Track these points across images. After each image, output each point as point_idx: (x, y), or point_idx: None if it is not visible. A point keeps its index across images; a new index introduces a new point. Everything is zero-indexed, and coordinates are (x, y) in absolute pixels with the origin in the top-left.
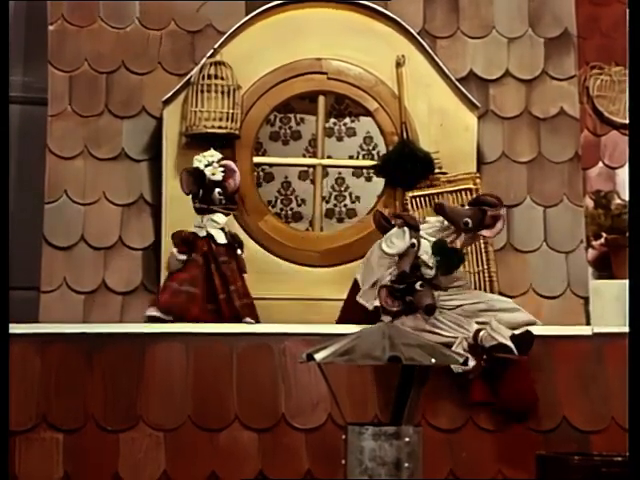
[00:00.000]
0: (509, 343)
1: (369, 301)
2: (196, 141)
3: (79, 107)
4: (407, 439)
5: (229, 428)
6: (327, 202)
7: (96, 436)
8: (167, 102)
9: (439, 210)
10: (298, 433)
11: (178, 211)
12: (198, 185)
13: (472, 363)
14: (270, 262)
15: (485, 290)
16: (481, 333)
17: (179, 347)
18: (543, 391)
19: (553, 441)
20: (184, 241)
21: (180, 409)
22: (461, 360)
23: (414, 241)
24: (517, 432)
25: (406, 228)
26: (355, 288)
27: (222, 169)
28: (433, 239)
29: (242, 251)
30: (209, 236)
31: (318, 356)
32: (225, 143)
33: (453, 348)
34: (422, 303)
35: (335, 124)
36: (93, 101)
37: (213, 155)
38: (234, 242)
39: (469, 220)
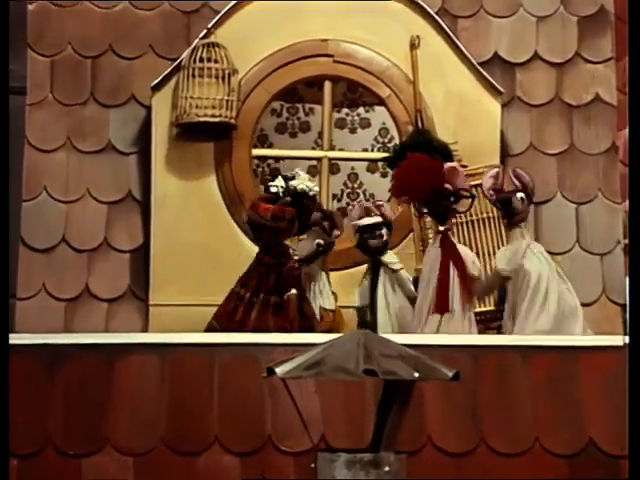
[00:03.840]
0: None
1: None
2: (188, 131)
3: (61, 95)
4: (387, 468)
5: (208, 451)
6: (339, 200)
7: (55, 461)
8: (156, 88)
9: None
10: (286, 457)
11: (169, 209)
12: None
13: None
14: None
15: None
16: None
17: (153, 359)
18: (566, 409)
19: (577, 466)
20: None
21: (152, 430)
22: (450, 374)
23: None
24: (536, 456)
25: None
26: None
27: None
28: None
29: None
30: None
31: (280, 370)
32: (220, 133)
33: None
34: None
35: (348, 115)
36: (77, 88)
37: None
38: None
39: None
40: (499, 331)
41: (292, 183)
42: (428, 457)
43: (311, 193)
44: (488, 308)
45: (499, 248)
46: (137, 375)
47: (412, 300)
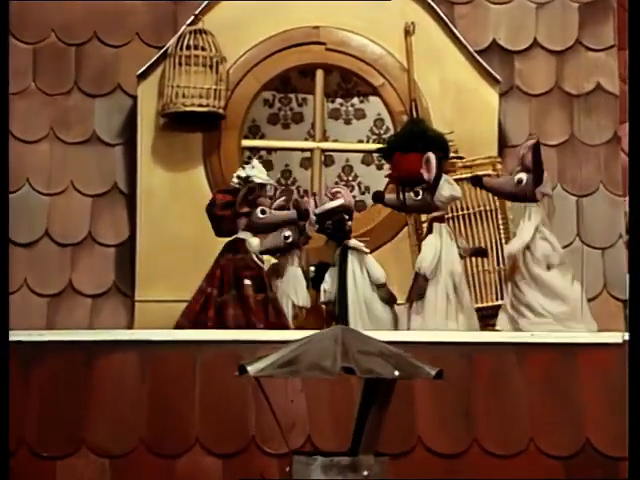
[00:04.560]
0: None
1: None
2: (175, 122)
3: (44, 84)
4: (366, 472)
5: (189, 453)
6: None
7: (29, 463)
8: (142, 77)
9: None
10: (271, 459)
11: (155, 202)
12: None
13: None
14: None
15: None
16: None
17: (132, 357)
18: (563, 408)
19: (574, 469)
20: None
21: (131, 431)
22: (433, 373)
23: None
24: (531, 457)
25: None
26: None
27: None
28: None
29: None
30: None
31: (253, 368)
32: (208, 124)
33: None
34: None
35: (342, 105)
36: (61, 77)
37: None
38: None
39: None
40: None
41: (240, 173)
42: (418, 458)
43: (257, 180)
44: (488, 304)
45: (497, 242)
46: (116, 374)
47: (378, 287)
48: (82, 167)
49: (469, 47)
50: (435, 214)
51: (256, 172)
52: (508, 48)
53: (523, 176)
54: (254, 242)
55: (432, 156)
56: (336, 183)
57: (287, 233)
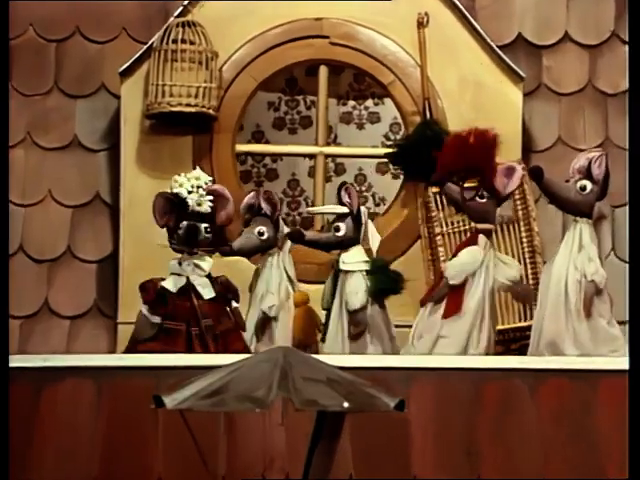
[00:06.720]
0: None
1: None
2: (161, 124)
3: (21, 84)
4: None
5: None
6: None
7: None
8: (126, 74)
9: None
10: None
11: (140, 214)
12: (177, 216)
13: None
14: None
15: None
16: None
17: (88, 385)
18: (582, 446)
19: None
20: (159, 297)
21: (84, 470)
22: (392, 404)
23: None
24: None
25: None
26: None
27: (210, 197)
28: None
29: (237, 302)
30: (190, 288)
31: (170, 400)
32: (198, 126)
33: None
34: None
35: (354, 108)
36: (39, 76)
37: (199, 177)
38: (226, 293)
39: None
40: (521, 353)
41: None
42: None
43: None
44: (509, 326)
45: (520, 256)
46: (68, 404)
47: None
48: (61, 175)
49: (489, 40)
50: (484, 226)
51: (193, 202)
52: (535, 42)
53: (587, 184)
54: (204, 265)
55: (519, 170)
56: None
57: (261, 229)
